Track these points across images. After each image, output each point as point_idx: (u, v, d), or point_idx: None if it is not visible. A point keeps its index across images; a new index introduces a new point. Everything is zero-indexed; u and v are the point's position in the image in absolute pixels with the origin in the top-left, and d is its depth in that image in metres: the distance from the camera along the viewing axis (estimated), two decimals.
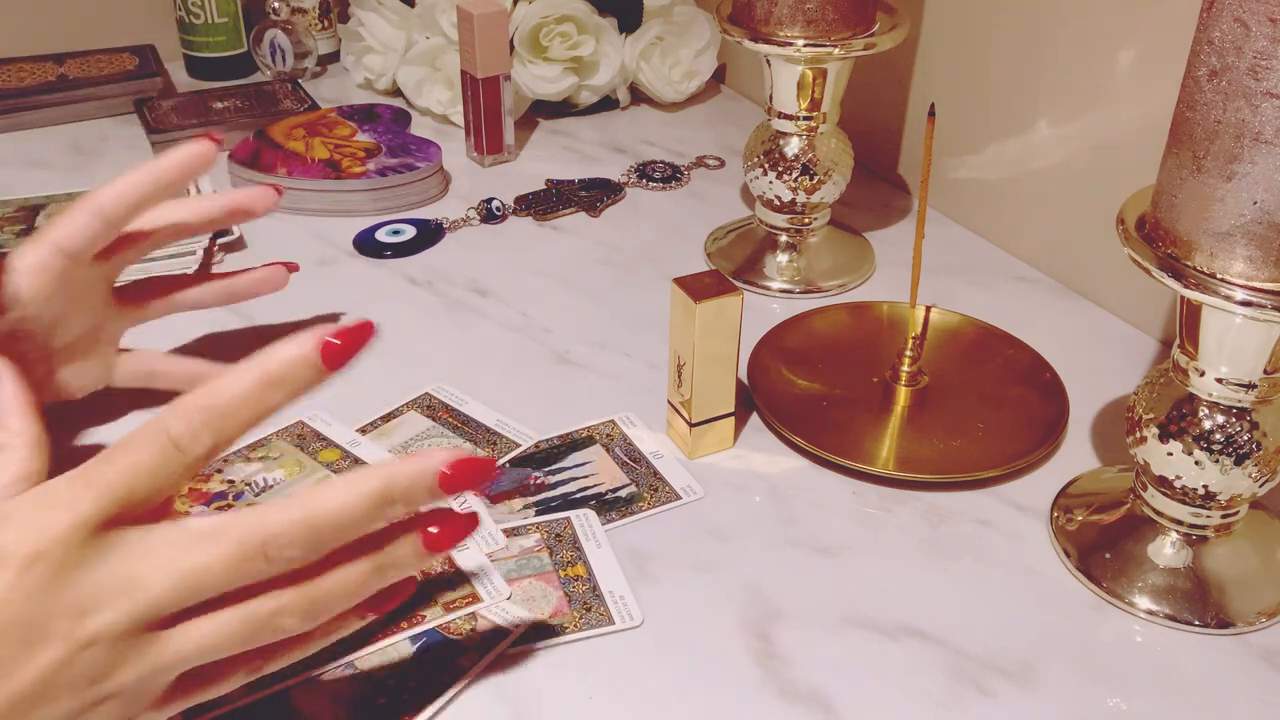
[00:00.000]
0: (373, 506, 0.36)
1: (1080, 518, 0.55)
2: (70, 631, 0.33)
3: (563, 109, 1.03)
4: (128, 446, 0.35)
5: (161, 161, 0.53)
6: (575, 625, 0.49)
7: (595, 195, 0.87)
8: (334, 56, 1.14)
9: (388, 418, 0.62)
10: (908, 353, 0.64)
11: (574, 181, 0.90)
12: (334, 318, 0.72)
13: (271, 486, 0.57)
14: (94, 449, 0.56)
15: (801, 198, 0.75)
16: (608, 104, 1.05)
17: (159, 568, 0.34)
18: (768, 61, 0.72)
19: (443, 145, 0.91)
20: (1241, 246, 0.44)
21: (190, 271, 0.74)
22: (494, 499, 0.57)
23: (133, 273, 0.62)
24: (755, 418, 0.63)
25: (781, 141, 0.74)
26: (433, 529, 0.38)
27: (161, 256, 0.74)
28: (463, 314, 0.73)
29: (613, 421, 0.62)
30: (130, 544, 0.34)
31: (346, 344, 0.36)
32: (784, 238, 0.78)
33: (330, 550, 0.36)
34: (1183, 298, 0.47)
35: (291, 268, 0.65)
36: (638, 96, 1.07)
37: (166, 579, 0.34)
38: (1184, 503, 0.51)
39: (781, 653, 0.49)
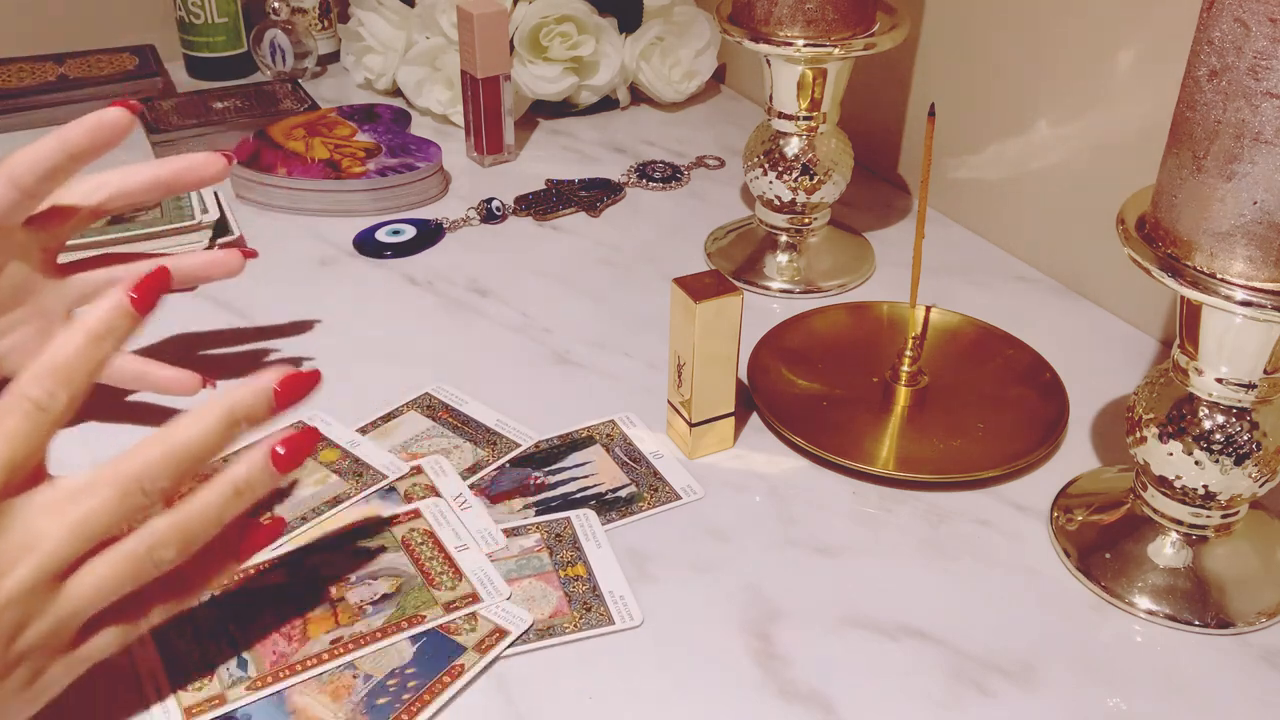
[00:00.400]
0: (223, 429, 0.41)
1: (1080, 518, 0.55)
2: None
3: (563, 109, 1.03)
4: None
5: (71, 128, 0.53)
6: (575, 625, 0.49)
7: (595, 195, 0.87)
8: (334, 56, 1.14)
9: (388, 418, 0.62)
10: (908, 353, 0.64)
11: (574, 181, 0.90)
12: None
13: None
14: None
15: (801, 198, 0.75)
16: (608, 104, 1.05)
17: (53, 522, 0.38)
18: (768, 61, 0.72)
19: (443, 145, 0.91)
20: (1241, 246, 0.44)
21: None
22: (494, 499, 0.57)
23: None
24: (755, 418, 0.63)
25: (781, 141, 0.74)
26: (279, 449, 0.42)
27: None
28: (463, 314, 0.73)
29: (613, 421, 0.62)
30: (20, 509, 0.38)
31: (149, 287, 0.41)
32: (784, 238, 0.78)
33: (195, 475, 0.41)
34: (1183, 298, 0.47)
35: (248, 254, 0.63)
36: (638, 96, 1.07)
37: (62, 530, 0.38)
38: (1184, 503, 0.51)
39: (781, 653, 0.49)
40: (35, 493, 0.39)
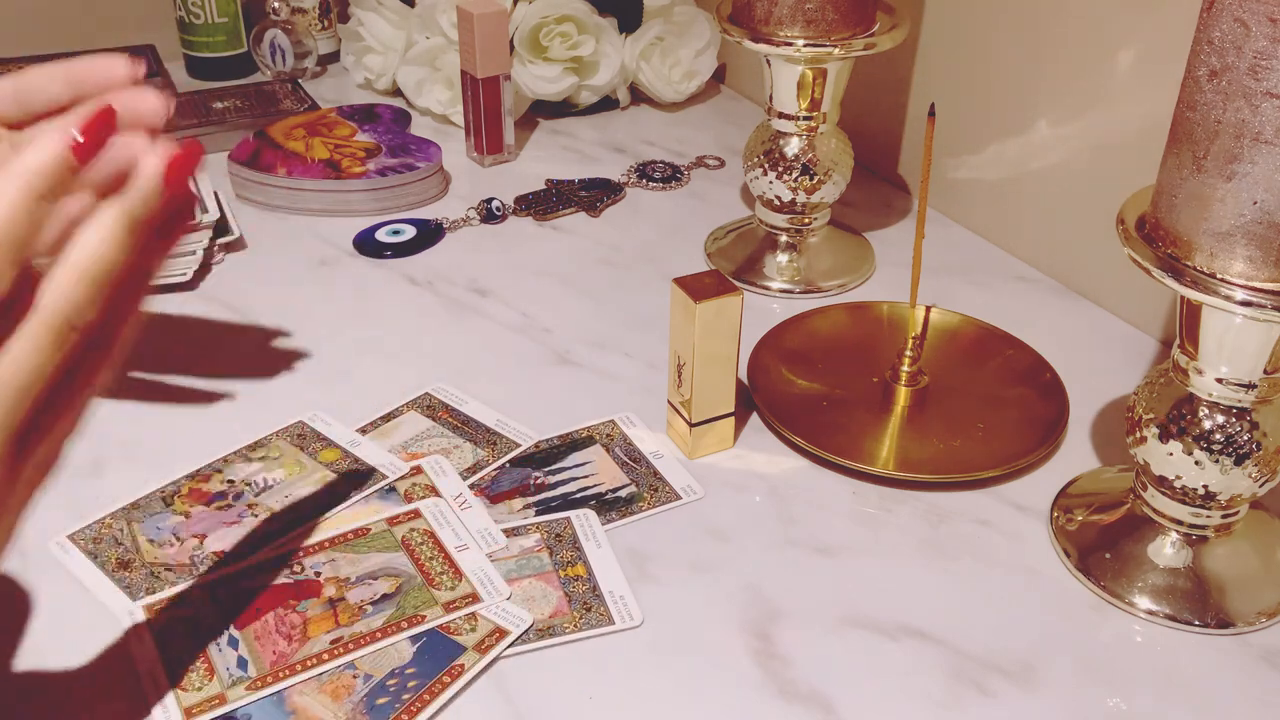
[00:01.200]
0: (126, 236, 0.37)
1: (1080, 518, 0.55)
2: None
3: (563, 109, 1.03)
4: None
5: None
6: (575, 625, 0.49)
7: (595, 195, 0.87)
8: (334, 56, 1.14)
9: (388, 418, 0.62)
10: (908, 353, 0.64)
11: (574, 181, 0.90)
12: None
13: (271, 486, 0.57)
14: None
15: (801, 198, 0.75)
16: (608, 104, 1.05)
17: None
18: (768, 61, 0.72)
19: (443, 145, 0.91)
20: (1241, 246, 0.44)
21: (189, 273, 0.74)
22: (494, 499, 0.57)
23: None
24: (755, 418, 0.63)
25: (781, 141, 0.74)
26: (168, 161, 0.38)
27: None
28: (463, 314, 0.73)
29: (613, 421, 0.62)
30: None
31: (95, 129, 0.37)
32: (784, 238, 0.78)
33: (108, 289, 0.37)
34: (1183, 298, 0.47)
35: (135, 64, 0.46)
36: (638, 96, 1.07)
37: (4, 394, 0.35)
38: (1184, 503, 0.51)
39: (781, 653, 0.49)
40: None
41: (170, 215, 0.39)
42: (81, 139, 0.36)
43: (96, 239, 0.36)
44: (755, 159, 0.76)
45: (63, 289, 0.36)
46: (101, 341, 0.39)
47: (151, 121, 0.41)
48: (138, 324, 0.40)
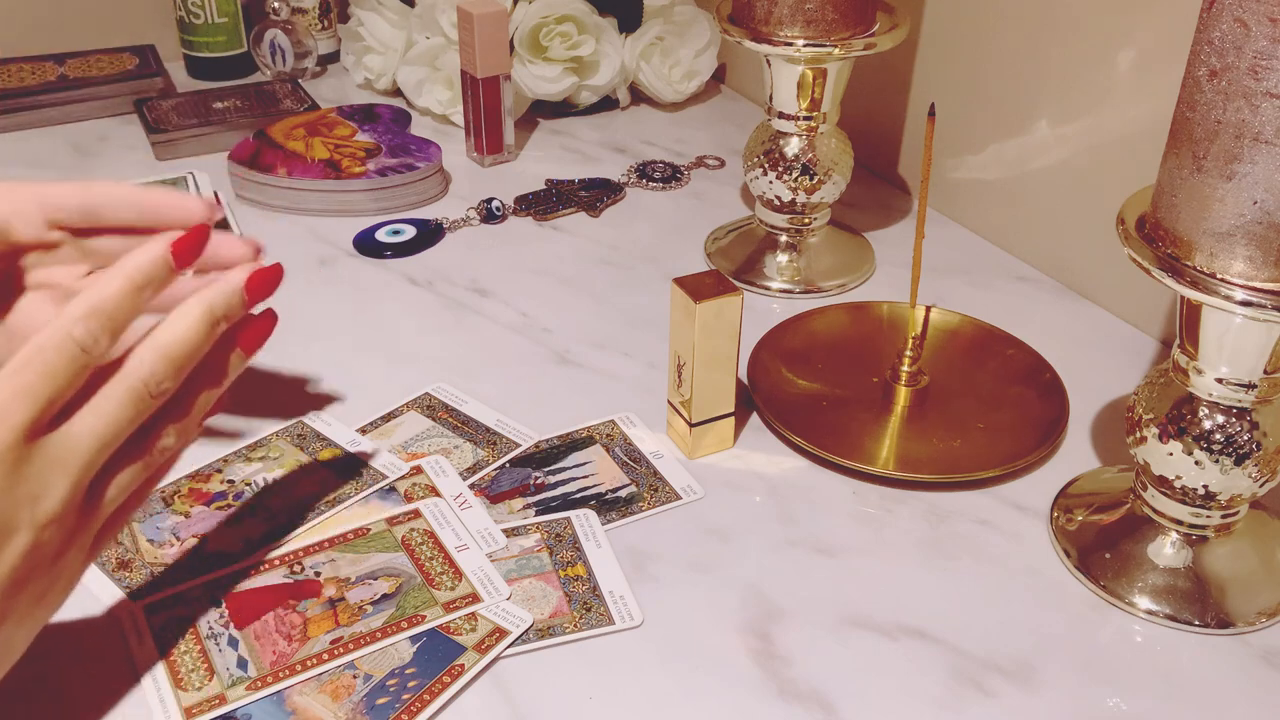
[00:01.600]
0: (206, 328, 0.44)
1: (1080, 518, 0.55)
2: (32, 518, 0.39)
3: (563, 109, 1.03)
4: (41, 353, 0.40)
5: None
6: (575, 625, 0.49)
7: (595, 195, 0.87)
8: (334, 56, 1.14)
9: (388, 417, 0.62)
10: (908, 353, 0.64)
11: (574, 181, 0.90)
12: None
13: (272, 486, 0.57)
14: None
15: (801, 198, 0.75)
16: (608, 104, 1.05)
17: (79, 440, 0.40)
18: (768, 61, 0.72)
19: (443, 145, 0.91)
20: (1241, 246, 0.44)
21: (189, 273, 0.74)
22: (494, 499, 0.57)
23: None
24: (755, 418, 0.63)
25: (781, 141, 0.74)
26: (242, 339, 0.47)
27: None
28: (463, 314, 0.73)
29: (613, 421, 0.62)
30: (51, 441, 0.40)
31: (190, 242, 0.45)
32: (784, 238, 0.78)
33: (187, 372, 0.44)
34: (1183, 298, 0.47)
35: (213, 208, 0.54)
36: (638, 96, 1.07)
37: (89, 444, 0.40)
38: (1184, 503, 0.51)
39: (781, 653, 0.49)
40: (62, 429, 0.40)
41: (249, 328, 0.47)
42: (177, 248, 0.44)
43: (181, 323, 0.43)
44: (755, 159, 0.76)
45: (144, 359, 0.42)
46: (176, 415, 0.45)
47: (231, 262, 0.50)
48: (210, 409, 0.46)
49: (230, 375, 0.47)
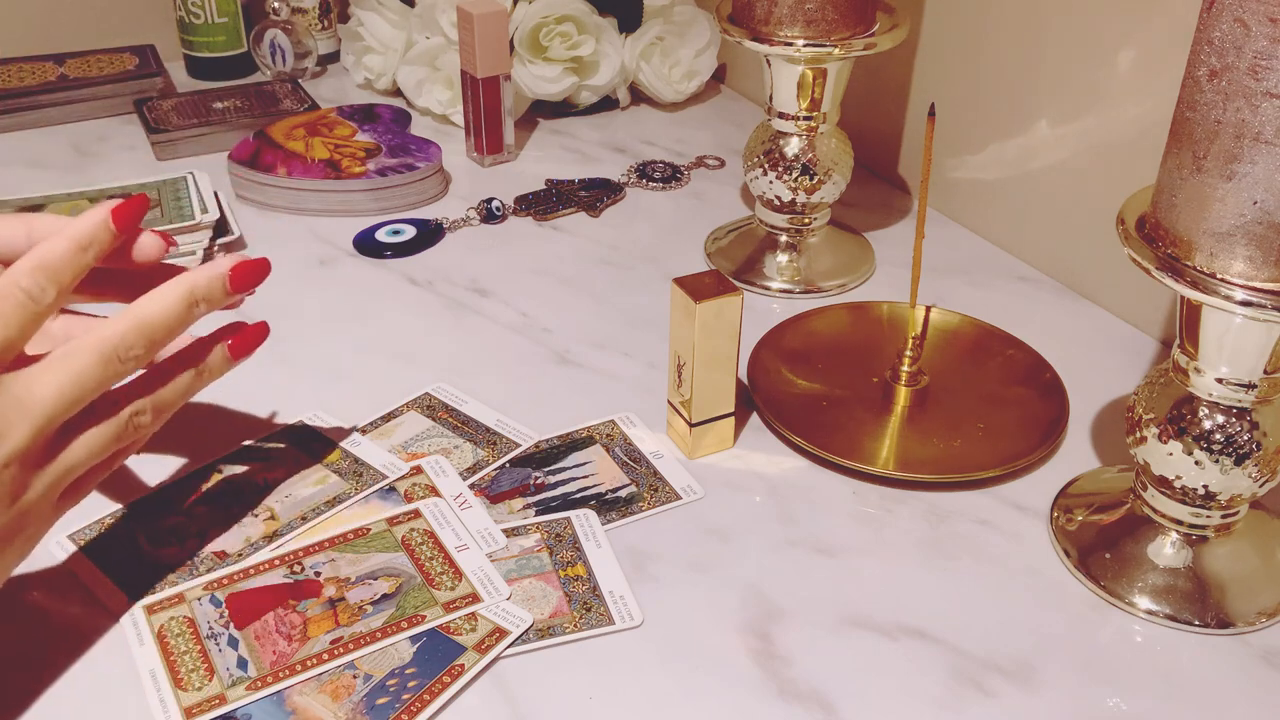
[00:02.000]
0: (184, 306, 0.46)
1: (1080, 518, 0.55)
2: None
3: (563, 109, 1.03)
4: None
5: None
6: (575, 625, 0.49)
7: (595, 195, 0.87)
8: (334, 56, 1.14)
9: (388, 418, 0.62)
10: (908, 353, 0.64)
11: (574, 181, 0.90)
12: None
13: (271, 487, 0.57)
14: None
15: (801, 198, 0.75)
16: (608, 104, 1.05)
17: (44, 387, 0.42)
18: (768, 61, 0.72)
19: (443, 145, 0.91)
20: (1241, 246, 0.44)
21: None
22: (494, 499, 0.57)
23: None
24: (755, 418, 0.63)
25: (781, 141, 0.74)
26: (231, 340, 0.49)
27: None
28: (463, 314, 0.73)
29: (613, 421, 0.62)
30: (12, 382, 0.42)
31: (129, 209, 0.47)
32: (784, 238, 0.78)
33: (160, 346, 0.46)
34: (1183, 298, 0.47)
35: (170, 242, 0.52)
36: (638, 96, 1.07)
37: (52, 393, 0.42)
38: (1184, 503, 0.51)
39: (781, 653, 0.49)
40: (23, 370, 0.43)
41: (241, 333, 0.50)
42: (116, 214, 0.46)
43: (160, 297, 0.46)
44: (755, 159, 0.76)
45: (118, 324, 0.44)
46: (148, 389, 0.46)
47: (145, 256, 0.50)
48: (186, 393, 0.48)
49: (213, 370, 0.49)
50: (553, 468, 0.59)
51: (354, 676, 0.47)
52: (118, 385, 0.46)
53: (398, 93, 1.04)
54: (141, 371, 0.47)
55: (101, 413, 0.45)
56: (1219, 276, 0.44)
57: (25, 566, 0.52)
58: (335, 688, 0.46)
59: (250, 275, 0.49)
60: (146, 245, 0.49)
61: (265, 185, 0.84)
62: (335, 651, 0.47)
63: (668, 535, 0.55)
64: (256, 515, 0.55)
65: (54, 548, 0.53)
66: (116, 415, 0.45)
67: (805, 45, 0.69)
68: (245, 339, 0.50)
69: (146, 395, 0.46)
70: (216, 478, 0.57)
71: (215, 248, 0.77)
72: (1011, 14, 0.76)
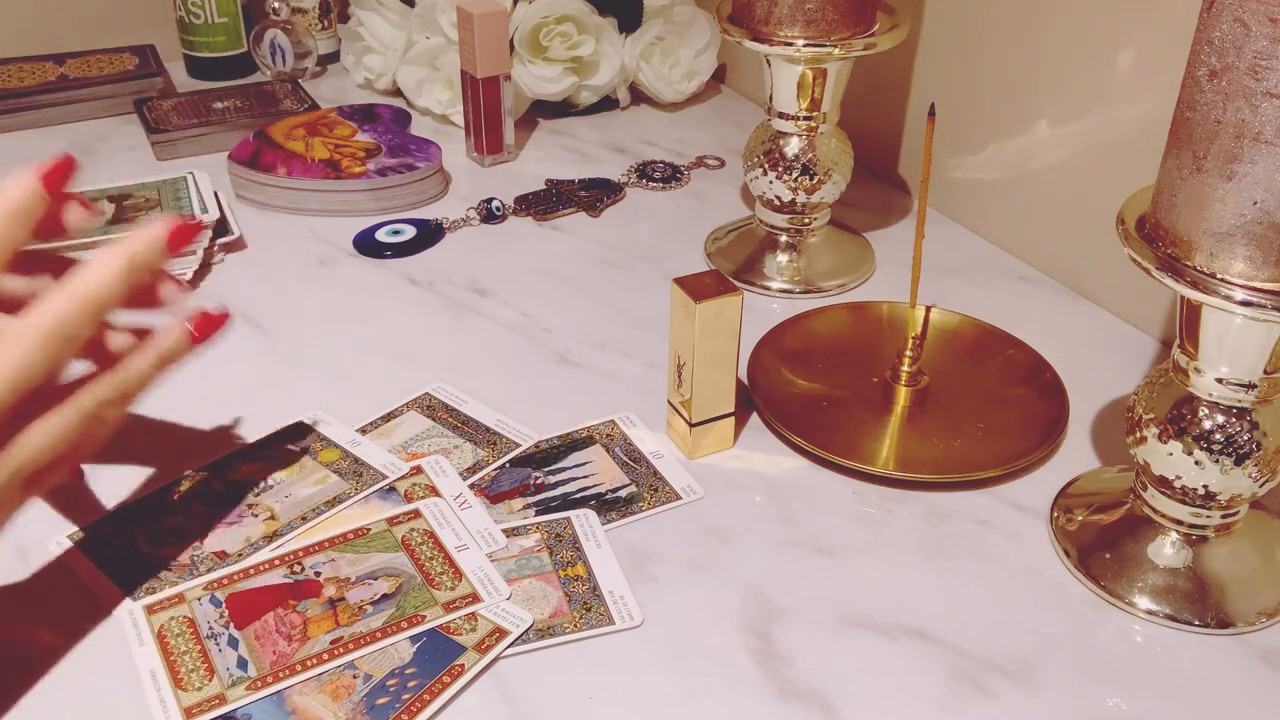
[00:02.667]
0: (124, 274, 0.44)
1: (1080, 518, 0.55)
2: None
3: (563, 109, 1.03)
4: None
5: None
6: (575, 625, 0.49)
7: (595, 195, 0.87)
8: (334, 56, 1.14)
9: (388, 418, 0.62)
10: (908, 353, 0.64)
11: (574, 181, 0.90)
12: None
13: (272, 487, 0.57)
14: None
15: (801, 198, 0.75)
16: (608, 104, 1.05)
17: None
18: (768, 61, 0.72)
19: (443, 145, 0.91)
20: (1241, 246, 0.44)
21: (189, 273, 0.74)
22: (494, 499, 0.57)
23: None
24: (755, 418, 0.63)
25: (781, 141, 0.74)
26: (193, 326, 0.48)
27: None
28: (463, 314, 0.73)
29: (613, 421, 0.62)
30: None
31: (58, 171, 0.45)
32: (784, 238, 0.78)
33: (102, 316, 0.44)
34: (1183, 298, 0.47)
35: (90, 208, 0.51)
36: (638, 96, 1.07)
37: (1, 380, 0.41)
38: (1184, 503, 0.51)
39: (781, 653, 0.49)
40: None
41: (201, 317, 0.48)
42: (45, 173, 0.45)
43: (98, 268, 0.44)
44: (755, 159, 0.76)
45: (56, 301, 0.42)
46: (105, 364, 0.45)
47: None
48: (148, 377, 0.47)
49: (175, 355, 0.47)
50: (553, 468, 0.59)
51: (354, 676, 0.47)
52: (81, 375, 0.45)
53: (398, 93, 1.04)
54: (111, 354, 0.46)
55: (59, 400, 0.43)
56: (1219, 276, 0.44)
57: (25, 567, 0.52)
58: (335, 688, 0.46)
59: (184, 235, 0.47)
60: (77, 213, 0.48)
61: (265, 185, 0.84)
62: (335, 651, 0.47)
63: (668, 535, 0.55)
64: (256, 515, 0.55)
65: (53, 548, 0.53)
66: (77, 403, 0.44)
67: (805, 45, 0.69)
68: (207, 323, 0.49)
69: (109, 383, 0.45)
70: (216, 478, 0.57)
71: (215, 248, 0.77)
72: (1011, 14, 0.76)
